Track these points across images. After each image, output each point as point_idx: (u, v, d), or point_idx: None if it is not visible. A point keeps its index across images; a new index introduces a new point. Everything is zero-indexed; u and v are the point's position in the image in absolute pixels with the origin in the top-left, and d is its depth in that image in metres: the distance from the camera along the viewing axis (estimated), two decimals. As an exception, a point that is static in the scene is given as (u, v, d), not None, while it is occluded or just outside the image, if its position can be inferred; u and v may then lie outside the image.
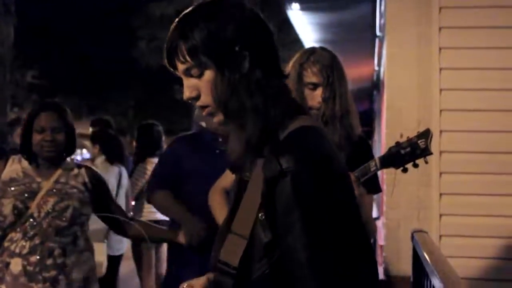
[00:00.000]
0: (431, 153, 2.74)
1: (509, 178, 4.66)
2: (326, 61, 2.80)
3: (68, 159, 3.49)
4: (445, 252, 3.47)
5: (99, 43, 26.31)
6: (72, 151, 3.49)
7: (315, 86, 2.78)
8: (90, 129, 7.14)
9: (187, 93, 1.62)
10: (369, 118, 14.16)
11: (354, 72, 11.36)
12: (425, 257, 3.03)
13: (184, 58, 1.58)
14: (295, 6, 8.20)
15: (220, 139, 3.53)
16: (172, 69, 1.65)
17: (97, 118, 7.33)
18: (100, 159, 5.90)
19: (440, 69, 4.84)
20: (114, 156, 5.85)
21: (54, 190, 3.32)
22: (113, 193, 5.76)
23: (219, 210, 3.15)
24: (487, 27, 4.71)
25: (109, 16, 25.80)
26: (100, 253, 5.39)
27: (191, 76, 1.60)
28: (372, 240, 8.16)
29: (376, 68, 11.21)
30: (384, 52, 5.77)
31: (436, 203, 4.78)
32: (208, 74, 1.58)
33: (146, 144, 6.30)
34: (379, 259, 6.53)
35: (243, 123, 1.59)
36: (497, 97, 4.69)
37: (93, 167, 5.86)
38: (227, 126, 1.64)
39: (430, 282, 2.83)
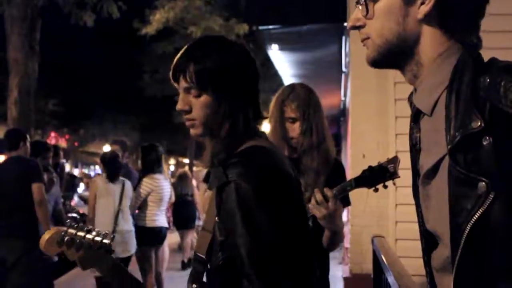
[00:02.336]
0: (399, 176, 2.75)
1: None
2: (302, 99, 2.81)
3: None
4: (400, 253, 3.48)
5: (110, 76, 26.28)
6: None
7: (294, 120, 2.78)
8: (108, 147, 7.19)
9: (180, 106, 1.62)
10: (337, 140, 14.21)
11: (324, 102, 11.40)
12: (382, 258, 3.05)
13: (190, 78, 1.58)
14: (275, 46, 8.26)
15: None
16: (173, 81, 1.65)
17: (116, 140, 7.36)
18: (103, 176, 5.96)
19: (395, 99, 4.88)
20: (111, 176, 5.87)
21: None
22: (116, 203, 5.79)
23: None
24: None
25: (118, 53, 25.82)
26: None
27: (189, 93, 1.60)
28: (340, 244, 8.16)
29: (343, 98, 11.26)
30: (349, 84, 5.81)
31: (393, 212, 4.80)
32: (205, 97, 1.59)
33: (149, 162, 6.32)
34: (346, 259, 6.52)
35: (214, 139, 1.63)
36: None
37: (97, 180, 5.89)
38: (201, 138, 1.66)
39: (387, 279, 2.85)
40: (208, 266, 1.60)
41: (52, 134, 29.18)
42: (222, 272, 1.56)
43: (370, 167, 2.77)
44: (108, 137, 26.95)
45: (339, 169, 2.99)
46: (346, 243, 6.01)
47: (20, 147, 5.48)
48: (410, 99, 1.22)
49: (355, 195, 4.71)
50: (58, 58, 22.09)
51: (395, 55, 1.15)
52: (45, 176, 5.99)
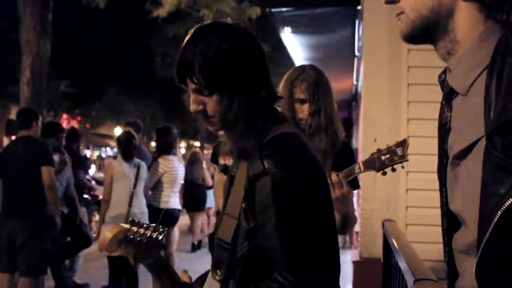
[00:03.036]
0: (407, 160, 2.74)
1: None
2: (312, 80, 2.80)
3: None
4: (410, 238, 3.48)
5: (122, 58, 26.29)
6: None
7: (303, 102, 2.77)
8: (123, 129, 7.20)
9: (193, 107, 1.57)
10: (348, 125, 14.16)
11: (336, 86, 11.33)
12: (393, 242, 3.05)
13: (197, 79, 1.52)
14: (287, 29, 8.21)
15: None
16: (180, 84, 1.60)
17: (130, 121, 7.33)
18: (119, 158, 5.97)
19: (408, 84, 4.85)
20: (126, 156, 5.88)
21: None
22: (131, 186, 5.79)
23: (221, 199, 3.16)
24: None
25: (129, 36, 25.80)
26: None
27: (200, 93, 1.55)
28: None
29: (355, 82, 11.22)
30: (361, 69, 5.78)
31: (403, 197, 4.79)
32: (216, 95, 1.54)
33: (164, 144, 6.34)
34: (355, 243, 6.54)
35: (236, 131, 1.58)
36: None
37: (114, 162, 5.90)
38: (221, 131, 1.64)
39: (397, 263, 2.85)
40: (232, 253, 1.56)
41: (64, 115, 29.26)
42: (246, 262, 1.54)
43: (378, 150, 2.76)
44: (120, 119, 27.01)
45: (347, 151, 2.98)
46: (356, 227, 6.01)
47: (33, 126, 5.47)
48: (440, 77, 1.21)
49: (365, 179, 4.73)
50: (70, 40, 22.13)
51: (429, 30, 1.13)
52: (57, 157, 6.03)
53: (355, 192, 3.61)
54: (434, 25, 1.12)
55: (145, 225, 1.44)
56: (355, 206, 8.07)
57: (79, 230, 6.63)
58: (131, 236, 1.41)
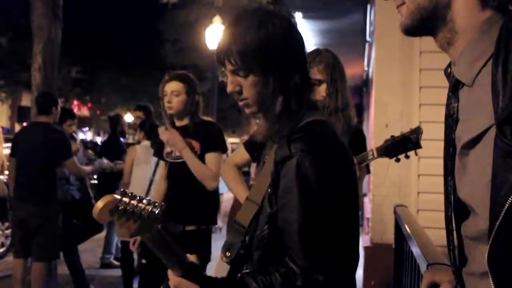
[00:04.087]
0: (421, 147, 2.73)
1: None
2: (329, 61, 2.80)
3: None
4: (422, 223, 3.47)
5: (132, 44, 26.30)
6: None
7: (320, 82, 2.77)
8: (134, 114, 7.18)
9: (230, 88, 1.60)
10: (359, 111, 14.13)
11: (347, 71, 11.29)
12: (405, 227, 3.04)
13: (234, 61, 1.56)
14: (298, 14, 8.18)
15: None
16: (220, 65, 1.63)
17: (140, 105, 7.30)
18: (145, 144, 5.91)
19: (420, 69, 4.83)
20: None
21: None
22: (151, 172, 5.79)
23: (234, 183, 3.15)
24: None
25: (140, 22, 25.78)
26: None
27: (237, 75, 1.58)
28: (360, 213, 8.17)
29: (366, 68, 11.17)
30: (373, 54, 5.75)
31: (415, 183, 4.78)
32: (253, 76, 1.57)
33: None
34: (366, 229, 6.54)
35: (271, 114, 1.61)
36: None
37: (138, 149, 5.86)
38: (257, 115, 1.66)
39: (409, 248, 2.85)
40: (248, 236, 1.60)
41: (75, 102, 29.35)
42: (265, 244, 1.56)
43: (392, 137, 2.75)
44: (130, 106, 27.05)
45: (360, 136, 2.99)
46: (367, 213, 6.02)
47: (52, 112, 5.44)
48: (446, 71, 1.21)
49: (377, 165, 4.72)
50: (81, 26, 22.16)
51: (428, 21, 1.14)
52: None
53: (366, 178, 3.62)
54: (433, 16, 1.13)
55: (138, 198, 1.44)
56: (365, 191, 8.08)
57: (91, 216, 6.64)
58: (122, 207, 1.42)
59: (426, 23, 1.15)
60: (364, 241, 5.80)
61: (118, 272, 6.41)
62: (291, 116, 1.59)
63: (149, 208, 1.44)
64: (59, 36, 8.83)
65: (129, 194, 1.44)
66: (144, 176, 5.77)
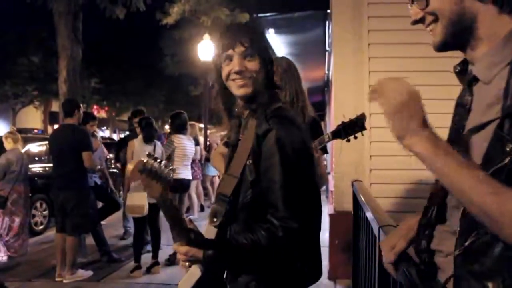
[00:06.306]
0: (365, 129, 2.74)
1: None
2: (284, 66, 2.72)
3: None
4: (374, 194, 3.49)
5: (139, 58, 26.11)
6: None
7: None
8: (130, 116, 7.28)
9: (239, 67, 1.61)
10: (322, 106, 14.15)
11: (312, 75, 11.31)
12: (361, 198, 3.05)
13: (246, 43, 1.61)
14: (271, 30, 8.13)
15: None
16: (229, 48, 1.63)
17: (135, 109, 7.41)
18: (139, 138, 5.88)
19: (369, 72, 4.83)
20: (148, 138, 5.81)
21: None
22: None
23: (220, 167, 3.12)
24: (406, 43, 4.66)
25: (144, 39, 25.61)
26: (143, 198, 5.42)
27: (244, 58, 1.62)
28: (325, 187, 8.18)
29: (326, 72, 11.15)
30: (332, 61, 5.74)
31: (368, 162, 4.80)
32: (256, 62, 1.62)
33: (176, 125, 6.34)
34: (330, 200, 6.56)
35: (259, 97, 1.64)
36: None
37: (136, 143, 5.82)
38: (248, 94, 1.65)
39: (364, 214, 2.86)
40: (231, 204, 1.59)
41: (95, 106, 29.08)
42: (249, 206, 1.56)
43: (343, 122, 2.75)
44: (138, 107, 26.77)
45: (315, 125, 2.93)
46: (331, 187, 6.04)
47: (75, 114, 5.51)
48: (456, 68, 1.19)
49: (337, 149, 4.73)
50: (97, 45, 21.87)
51: (459, 36, 1.11)
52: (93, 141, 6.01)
53: (328, 159, 3.61)
54: (463, 30, 1.10)
55: (159, 160, 1.44)
56: (329, 170, 8.08)
57: (110, 197, 6.67)
58: (148, 167, 1.41)
59: (458, 38, 1.12)
60: (328, 209, 5.83)
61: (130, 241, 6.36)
62: (270, 101, 1.63)
63: (166, 170, 1.44)
64: (80, 54, 8.77)
65: (154, 157, 1.44)
66: None
